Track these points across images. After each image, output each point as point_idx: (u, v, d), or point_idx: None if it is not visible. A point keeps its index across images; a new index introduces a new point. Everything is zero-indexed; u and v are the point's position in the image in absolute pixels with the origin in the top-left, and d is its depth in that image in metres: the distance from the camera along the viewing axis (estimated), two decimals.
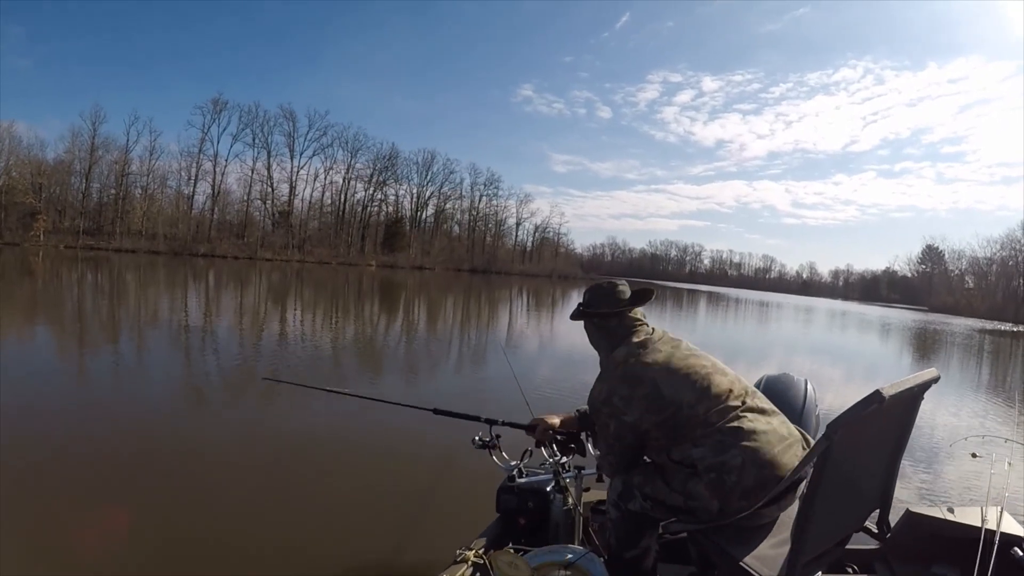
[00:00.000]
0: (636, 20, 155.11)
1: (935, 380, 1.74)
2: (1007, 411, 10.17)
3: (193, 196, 65.44)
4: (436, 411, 2.74)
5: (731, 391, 1.99)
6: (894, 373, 14.02)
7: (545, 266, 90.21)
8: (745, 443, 1.86)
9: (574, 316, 2.31)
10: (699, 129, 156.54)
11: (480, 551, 2.23)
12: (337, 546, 3.51)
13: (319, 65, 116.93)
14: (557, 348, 13.69)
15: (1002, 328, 45.27)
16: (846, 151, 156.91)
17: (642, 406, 1.99)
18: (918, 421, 1.89)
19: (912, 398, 1.72)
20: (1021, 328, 47.21)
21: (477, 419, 2.62)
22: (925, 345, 24.01)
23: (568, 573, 2.10)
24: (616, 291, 2.26)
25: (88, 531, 3.52)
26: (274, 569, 3.26)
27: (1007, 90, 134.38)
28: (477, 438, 2.62)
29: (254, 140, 67.17)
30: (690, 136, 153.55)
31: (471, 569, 2.15)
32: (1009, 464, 2.35)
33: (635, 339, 2.15)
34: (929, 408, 8.18)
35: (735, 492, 1.84)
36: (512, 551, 2.13)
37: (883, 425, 1.72)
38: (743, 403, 1.97)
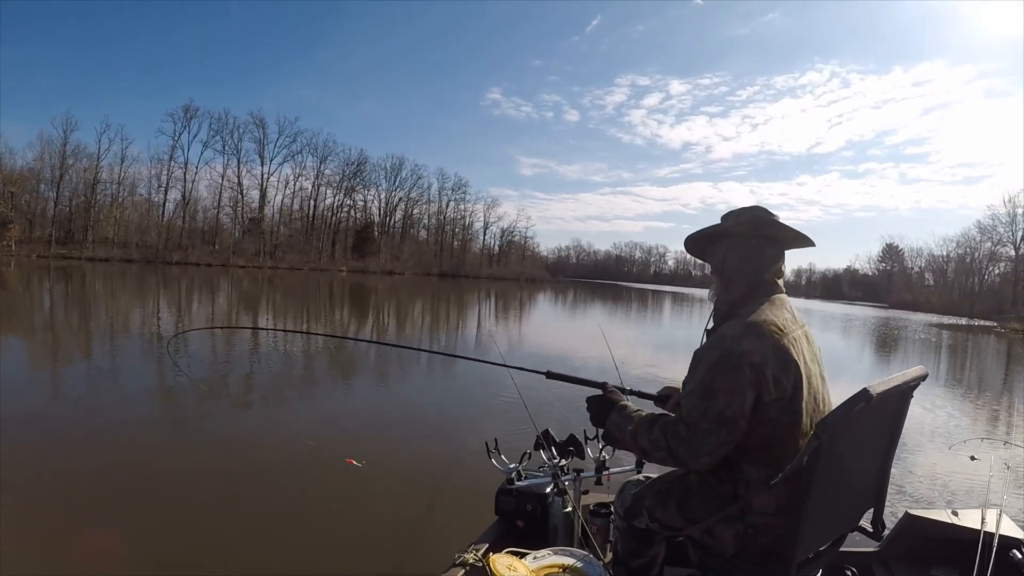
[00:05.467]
0: (606, 24, 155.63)
1: (923, 378, 1.72)
2: (981, 403, 10.54)
3: (165, 203, 64.47)
4: (549, 374, 2.34)
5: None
6: (858, 367, 14.41)
7: (512, 269, 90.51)
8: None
9: (690, 241, 1.97)
10: (666, 132, 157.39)
11: (479, 554, 2.23)
12: (336, 549, 3.50)
13: (289, 71, 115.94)
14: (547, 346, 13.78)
15: (959, 323, 46.79)
16: (811, 153, 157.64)
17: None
18: (915, 422, 1.89)
19: (901, 396, 1.72)
20: (975, 322, 48.88)
21: (592, 383, 2.17)
22: (887, 342, 24.66)
23: None
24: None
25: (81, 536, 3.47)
26: (274, 571, 3.25)
27: (968, 93, 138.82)
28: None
29: (224, 147, 66.70)
30: (657, 139, 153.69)
31: (469, 572, 2.15)
32: (1008, 466, 2.38)
33: (783, 295, 1.81)
34: (923, 408, 8.24)
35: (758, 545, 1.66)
36: (511, 554, 2.13)
37: (873, 423, 1.70)
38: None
